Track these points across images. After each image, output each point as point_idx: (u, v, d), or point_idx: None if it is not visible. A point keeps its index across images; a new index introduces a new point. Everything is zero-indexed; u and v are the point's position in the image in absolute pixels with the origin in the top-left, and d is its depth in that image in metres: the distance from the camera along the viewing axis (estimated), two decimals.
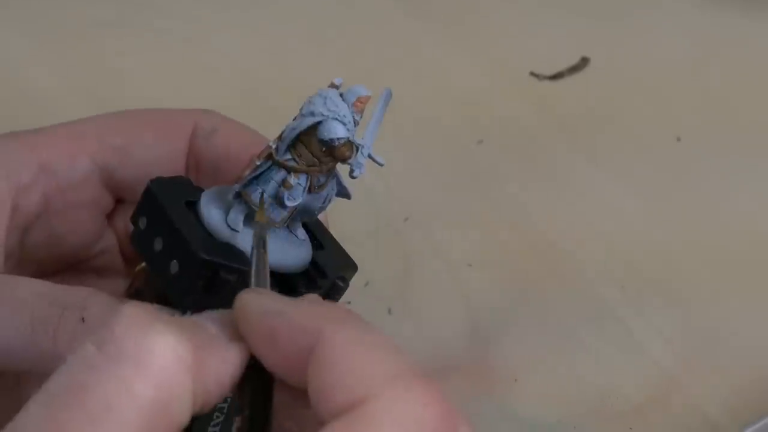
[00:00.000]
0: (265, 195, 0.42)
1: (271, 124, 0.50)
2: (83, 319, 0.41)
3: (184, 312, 0.41)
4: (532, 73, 0.72)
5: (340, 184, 0.44)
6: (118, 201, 0.49)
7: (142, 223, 0.44)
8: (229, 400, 0.41)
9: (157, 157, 0.47)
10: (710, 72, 0.71)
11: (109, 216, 0.50)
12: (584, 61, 0.72)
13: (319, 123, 0.41)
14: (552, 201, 0.64)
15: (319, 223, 0.46)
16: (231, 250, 0.42)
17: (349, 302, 0.58)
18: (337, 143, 0.41)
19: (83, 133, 0.48)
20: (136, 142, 0.47)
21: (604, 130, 0.68)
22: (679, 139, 0.67)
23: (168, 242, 0.42)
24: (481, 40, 0.75)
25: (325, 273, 0.44)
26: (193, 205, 0.44)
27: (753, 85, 0.70)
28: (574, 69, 0.72)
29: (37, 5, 0.78)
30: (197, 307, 0.40)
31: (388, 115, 0.69)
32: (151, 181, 0.44)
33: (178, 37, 0.75)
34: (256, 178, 0.42)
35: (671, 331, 0.56)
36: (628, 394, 0.54)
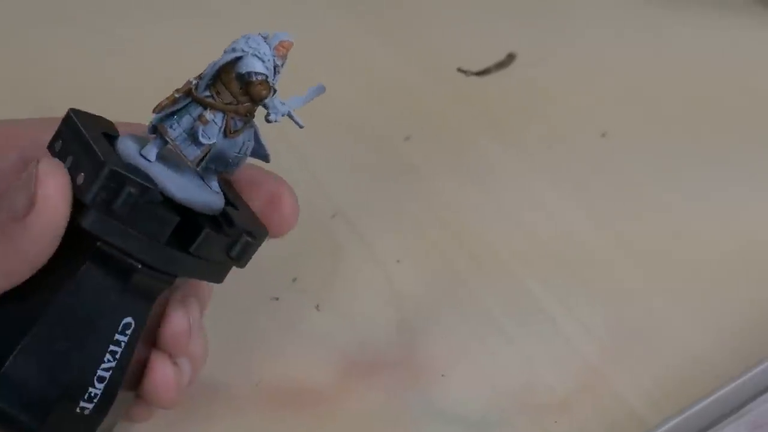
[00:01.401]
0: (179, 129, 0.43)
1: None
2: None
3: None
4: (459, 69, 0.72)
5: (258, 142, 0.45)
6: None
7: (58, 146, 0.44)
8: (123, 345, 0.43)
9: None
10: (635, 68, 0.72)
11: None
12: (510, 57, 0.72)
13: (239, 59, 0.42)
14: (479, 196, 0.64)
15: (238, 195, 0.47)
16: (138, 172, 0.43)
17: (277, 298, 0.58)
18: (254, 78, 0.42)
19: (14, 129, 0.48)
20: None
21: (530, 125, 0.68)
22: (604, 135, 0.67)
23: (79, 158, 0.43)
24: (409, 36, 0.75)
25: (233, 223, 0.45)
26: (110, 138, 0.44)
27: (678, 81, 0.71)
28: (500, 65, 0.72)
29: None
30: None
31: (316, 111, 0.69)
32: (72, 109, 0.45)
33: (128, 46, 0.75)
34: (174, 113, 0.43)
35: (595, 325, 0.57)
36: (553, 388, 0.54)
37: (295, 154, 0.67)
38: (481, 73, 0.72)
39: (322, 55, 0.73)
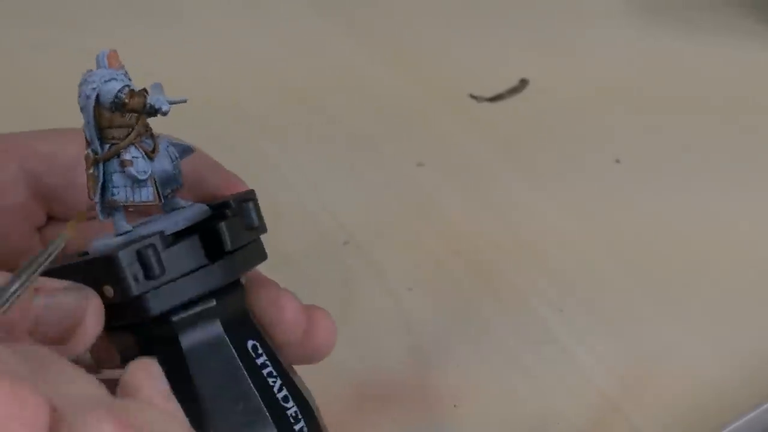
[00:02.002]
0: (120, 189, 0.43)
1: (210, 144, 0.50)
2: None
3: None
4: (472, 95, 0.72)
5: (177, 144, 0.45)
6: (51, 218, 0.49)
7: None
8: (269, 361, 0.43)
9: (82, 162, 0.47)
10: (648, 93, 0.71)
11: (42, 232, 0.49)
12: (523, 83, 0.72)
13: (96, 98, 0.42)
14: (492, 223, 0.64)
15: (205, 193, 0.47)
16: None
17: None
18: (123, 96, 0.42)
19: (11, 141, 0.48)
20: (62, 150, 0.48)
21: (543, 152, 0.68)
22: (618, 161, 0.67)
23: (88, 279, 0.42)
24: (421, 62, 0.75)
25: (228, 204, 0.44)
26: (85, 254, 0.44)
27: (690, 106, 0.70)
28: (513, 91, 0.72)
29: None
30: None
31: (329, 137, 0.69)
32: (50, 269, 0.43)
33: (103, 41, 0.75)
34: (104, 185, 0.43)
35: (610, 355, 0.56)
36: (569, 419, 0.54)
37: (307, 181, 0.66)
38: (493, 99, 0.71)
39: (333, 81, 0.73)
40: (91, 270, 0.41)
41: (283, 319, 0.46)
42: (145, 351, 0.43)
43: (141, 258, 0.41)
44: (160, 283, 0.41)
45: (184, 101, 0.43)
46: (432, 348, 0.57)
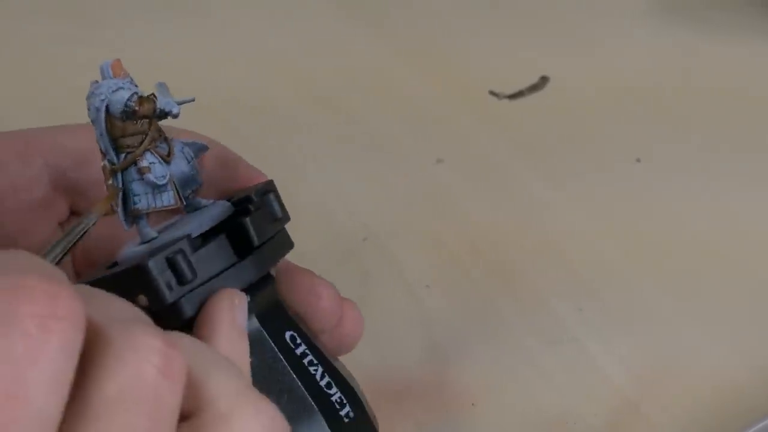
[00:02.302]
0: (142, 197, 0.43)
1: (230, 141, 0.50)
2: None
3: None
4: (492, 92, 0.71)
5: (191, 143, 0.45)
6: (73, 212, 0.49)
7: None
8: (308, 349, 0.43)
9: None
10: (669, 92, 0.71)
11: (64, 226, 0.49)
12: (544, 80, 0.72)
13: (106, 108, 0.42)
14: (511, 221, 0.63)
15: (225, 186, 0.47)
16: (160, 247, 0.42)
17: None
18: (132, 104, 0.42)
19: (36, 136, 0.48)
20: (87, 144, 0.47)
21: (563, 150, 0.67)
22: (638, 161, 0.66)
23: (122, 291, 0.41)
24: (441, 59, 0.74)
25: (250, 199, 0.44)
26: (114, 265, 0.44)
27: (711, 105, 0.70)
28: (533, 88, 0.71)
29: None
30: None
31: (348, 135, 0.69)
32: (78, 285, 0.43)
33: (131, 53, 0.75)
34: (125, 195, 0.43)
35: (629, 355, 0.56)
36: (587, 419, 0.53)
37: (327, 177, 0.66)
38: (513, 96, 0.71)
39: (353, 77, 0.73)
40: (123, 281, 0.41)
41: (320, 306, 0.46)
42: None
43: (171, 264, 0.41)
44: (192, 286, 0.41)
45: (192, 101, 0.43)
46: (450, 346, 0.56)
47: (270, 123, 0.70)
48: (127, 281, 0.41)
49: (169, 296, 0.41)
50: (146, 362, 0.32)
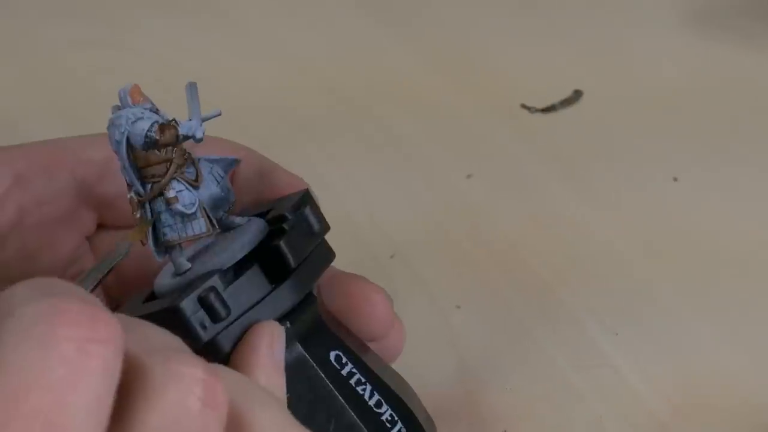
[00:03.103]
0: (173, 227, 0.42)
1: (252, 147, 0.49)
2: None
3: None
4: (524, 106, 0.70)
5: (220, 160, 0.44)
6: (101, 225, 0.48)
7: None
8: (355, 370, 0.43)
9: None
10: (707, 107, 0.70)
11: (92, 240, 0.48)
12: (577, 94, 0.70)
13: (127, 141, 0.41)
14: (543, 240, 0.62)
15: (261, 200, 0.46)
16: (193, 282, 0.41)
17: None
18: (153, 134, 0.41)
19: (62, 148, 0.47)
20: (114, 156, 0.46)
21: (597, 166, 0.66)
22: (676, 180, 0.65)
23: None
24: (472, 71, 0.73)
25: (283, 216, 0.43)
26: (151, 294, 0.43)
27: (750, 121, 0.68)
28: (566, 102, 0.70)
29: (8, 24, 0.77)
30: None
31: (377, 147, 0.68)
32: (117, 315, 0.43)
33: (152, 56, 0.74)
34: (154, 226, 0.42)
35: (666, 379, 0.54)
36: None
37: (354, 192, 0.65)
38: (546, 110, 0.70)
39: (383, 89, 0.72)
40: (158, 320, 0.40)
41: (375, 314, 0.45)
42: None
43: (204, 304, 0.40)
44: (228, 322, 0.40)
45: (218, 115, 0.42)
46: (481, 369, 0.55)
47: (294, 130, 0.69)
48: (163, 322, 0.39)
49: (204, 335, 0.40)
50: (189, 392, 0.32)
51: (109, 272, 0.43)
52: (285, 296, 0.42)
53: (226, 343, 0.40)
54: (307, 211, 0.44)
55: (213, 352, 0.40)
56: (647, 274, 0.60)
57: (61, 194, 0.46)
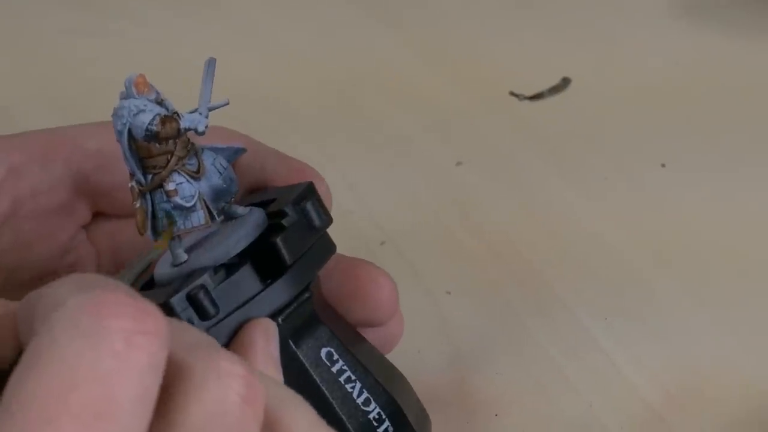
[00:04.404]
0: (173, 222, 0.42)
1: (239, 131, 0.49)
2: None
3: None
4: (512, 93, 0.70)
5: (222, 150, 0.44)
6: (98, 213, 0.48)
7: None
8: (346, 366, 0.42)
9: None
10: (695, 96, 0.70)
11: (88, 229, 0.49)
12: (565, 82, 0.71)
13: (129, 132, 0.41)
14: (532, 226, 0.62)
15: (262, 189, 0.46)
16: (188, 276, 0.42)
17: None
18: (153, 127, 0.41)
19: (58, 137, 0.47)
20: (109, 146, 0.46)
21: (586, 153, 0.66)
22: (663, 166, 0.65)
23: None
24: (461, 59, 0.73)
25: (283, 212, 0.43)
26: (150, 282, 0.43)
27: (740, 109, 0.69)
28: (554, 89, 0.70)
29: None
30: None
31: (366, 136, 0.68)
32: None
33: (146, 43, 0.74)
34: (153, 216, 0.42)
35: (656, 365, 0.55)
36: (612, 431, 0.52)
37: (343, 179, 0.65)
38: (534, 98, 0.70)
39: (371, 77, 0.72)
40: None
41: (381, 297, 0.46)
42: None
43: (192, 302, 0.40)
44: (217, 320, 0.41)
45: (226, 104, 0.43)
46: (472, 355, 0.55)
47: (284, 121, 0.69)
48: None
49: None
50: (230, 389, 0.32)
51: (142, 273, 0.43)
52: (278, 293, 0.42)
53: (216, 340, 0.40)
54: (309, 205, 0.43)
55: None
56: (638, 261, 0.60)
57: (57, 184, 0.46)
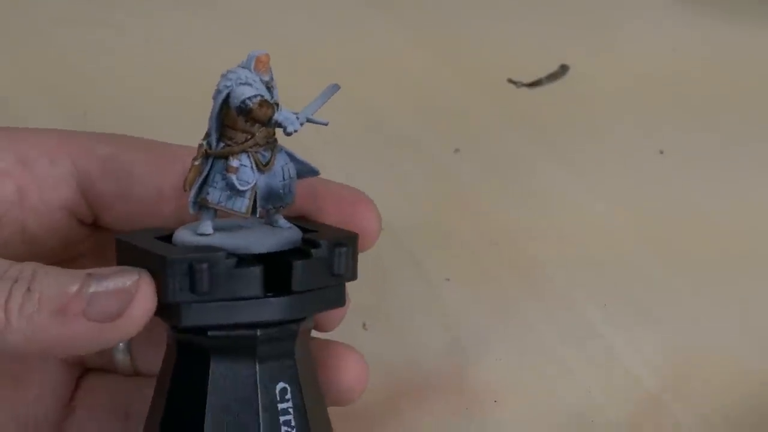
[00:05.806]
0: (217, 191, 0.42)
1: None
2: (29, 288, 0.41)
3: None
4: (510, 80, 0.70)
5: (297, 161, 0.44)
6: (98, 227, 0.48)
7: None
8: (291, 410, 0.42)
9: (142, 175, 0.47)
10: (693, 83, 0.70)
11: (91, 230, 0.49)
12: (563, 69, 0.71)
13: (228, 96, 0.41)
14: (531, 213, 0.62)
15: (313, 220, 0.46)
16: (203, 249, 0.42)
17: None
18: (250, 103, 0.41)
19: (69, 138, 0.47)
20: (123, 157, 0.47)
21: (584, 140, 0.66)
22: (661, 152, 0.65)
23: (141, 264, 0.42)
24: (458, 46, 0.73)
25: (318, 244, 0.43)
26: (167, 238, 0.43)
27: (738, 96, 0.69)
28: (552, 76, 0.70)
29: None
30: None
31: (362, 124, 0.68)
32: (117, 235, 0.44)
33: (139, 34, 0.74)
34: (205, 180, 0.42)
35: (654, 350, 0.55)
36: (610, 416, 0.53)
37: (341, 168, 0.65)
38: (532, 85, 0.70)
39: (368, 68, 0.72)
40: (150, 261, 0.41)
41: (366, 214, 0.47)
42: (180, 350, 0.42)
43: (191, 271, 0.40)
44: (202, 299, 0.41)
45: (325, 124, 0.43)
46: (471, 341, 0.56)
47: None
48: (152, 264, 0.41)
49: (171, 296, 0.40)
50: None
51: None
52: (270, 308, 0.42)
53: (188, 317, 0.41)
54: (342, 251, 0.43)
55: (173, 317, 0.41)
56: (635, 247, 0.60)
57: (63, 181, 0.46)
